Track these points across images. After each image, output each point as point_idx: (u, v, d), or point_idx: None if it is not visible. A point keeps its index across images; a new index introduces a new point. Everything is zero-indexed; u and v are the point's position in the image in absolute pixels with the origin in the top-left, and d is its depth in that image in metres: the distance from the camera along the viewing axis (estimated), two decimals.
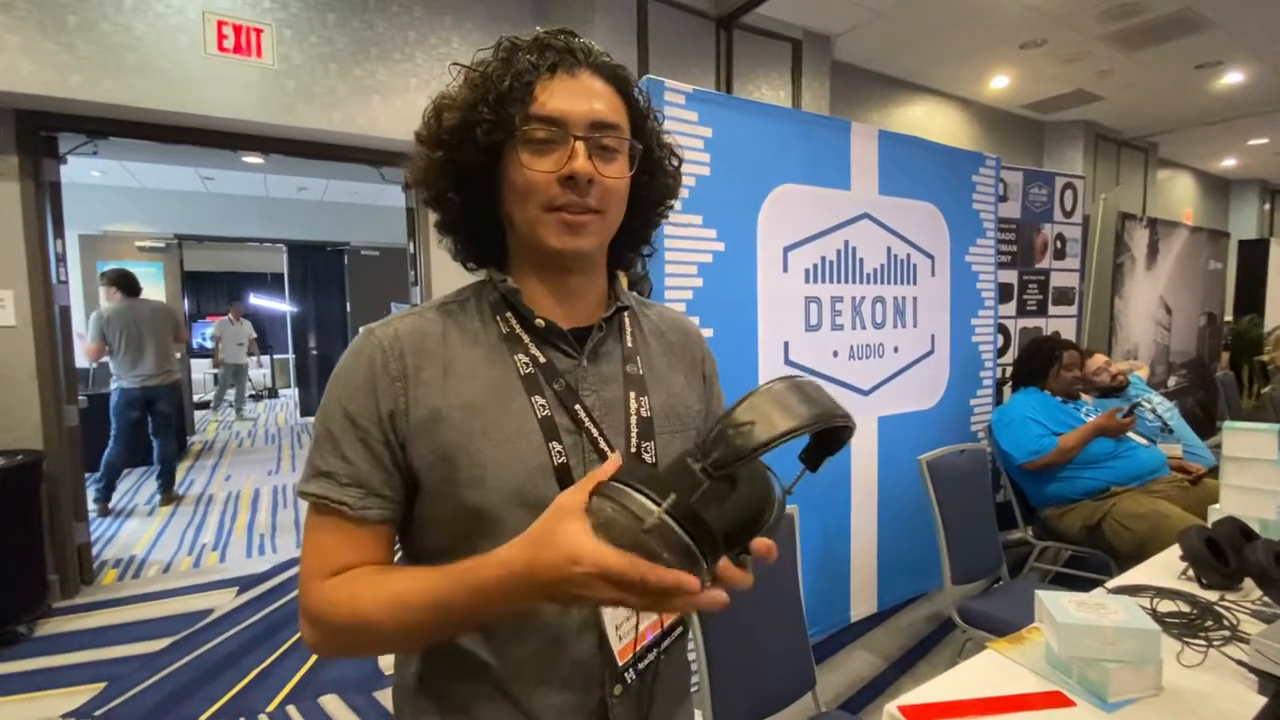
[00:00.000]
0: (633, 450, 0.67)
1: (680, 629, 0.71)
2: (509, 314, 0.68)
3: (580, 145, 0.61)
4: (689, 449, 0.49)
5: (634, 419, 0.68)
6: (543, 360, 0.66)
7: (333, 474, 0.62)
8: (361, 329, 0.67)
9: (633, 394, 0.69)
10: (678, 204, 0.77)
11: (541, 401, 0.64)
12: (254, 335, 8.10)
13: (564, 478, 0.63)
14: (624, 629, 0.65)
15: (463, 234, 0.70)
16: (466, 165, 0.64)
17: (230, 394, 8.20)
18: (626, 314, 0.74)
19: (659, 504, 0.45)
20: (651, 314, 0.80)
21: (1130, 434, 2.57)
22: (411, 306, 0.71)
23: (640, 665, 0.66)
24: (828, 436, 0.55)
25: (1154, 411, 3.01)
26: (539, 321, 0.67)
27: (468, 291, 0.71)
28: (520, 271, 0.69)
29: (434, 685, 0.67)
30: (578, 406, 0.65)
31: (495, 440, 0.62)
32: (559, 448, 0.63)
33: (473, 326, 0.67)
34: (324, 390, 0.66)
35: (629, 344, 0.72)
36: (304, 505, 0.64)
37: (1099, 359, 3.11)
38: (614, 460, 0.53)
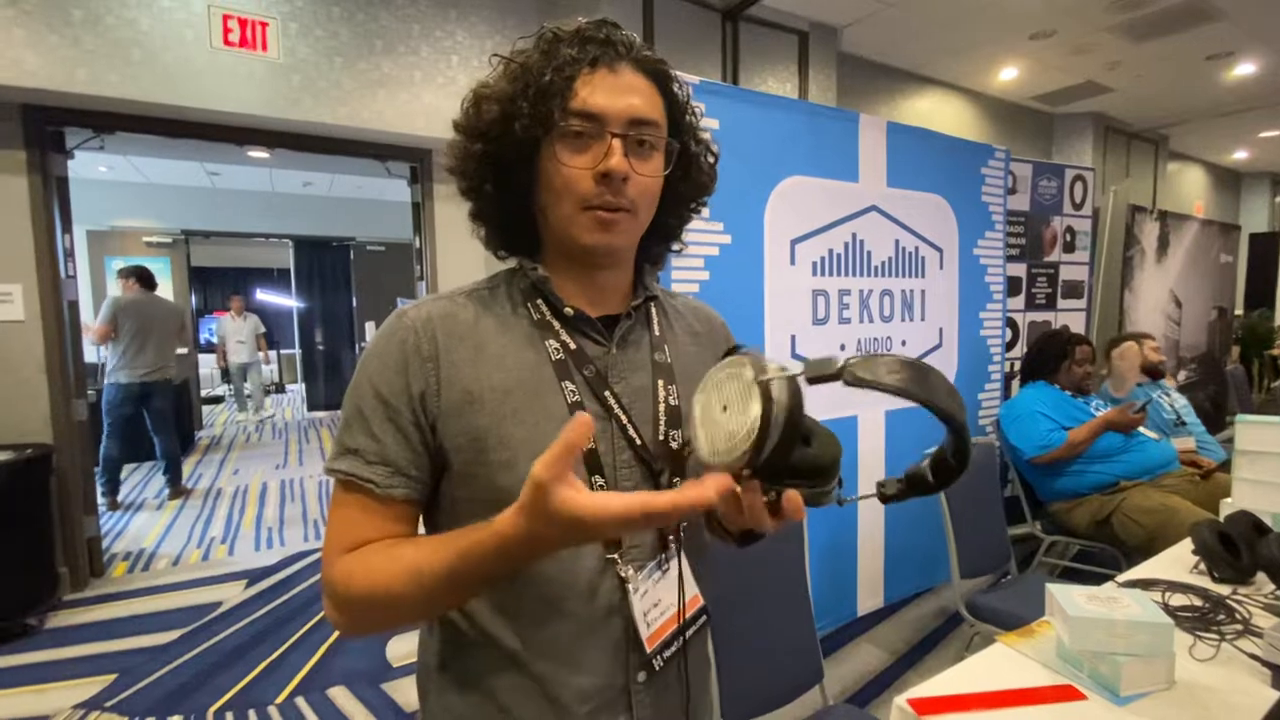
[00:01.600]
0: (660, 438, 0.67)
1: (704, 617, 0.71)
2: (539, 301, 0.68)
3: (617, 143, 0.61)
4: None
5: (662, 406, 0.68)
6: (573, 347, 0.67)
7: (361, 452, 0.62)
8: (393, 311, 0.68)
9: (661, 382, 0.69)
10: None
11: (571, 387, 0.65)
12: (261, 330, 7.56)
13: (592, 463, 0.63)
14: (652, 615, 0.65)
15: (496, 223, 0.71)
16: (503, 157, 0.64)
17: (246, 388, 7.74)
18: (654, 304, 0.75)
19: (784, 370, 0.48)
20: (677, 303, 0.81)
21: (1141, 428, 2.56)
22: (437, 293, 0.71)
23: (666, 652, 0.66)
24: (920, 478, 0.57)
25: (1171, 405, 3.00)
26: (568, 310, 0.67)
27: (498, 278, 0.72)
28: (551, 261, 0.69)
29: (456, 666, 0.67)
30: (607, 393, 0.66)
31: (526, 424, 0.63)
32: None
33: (504, 312, 0.68)
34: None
35: (657, 332, 0.73)
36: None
37: (1154, 344, 3.20)
38: (583, 419, 0.45)
